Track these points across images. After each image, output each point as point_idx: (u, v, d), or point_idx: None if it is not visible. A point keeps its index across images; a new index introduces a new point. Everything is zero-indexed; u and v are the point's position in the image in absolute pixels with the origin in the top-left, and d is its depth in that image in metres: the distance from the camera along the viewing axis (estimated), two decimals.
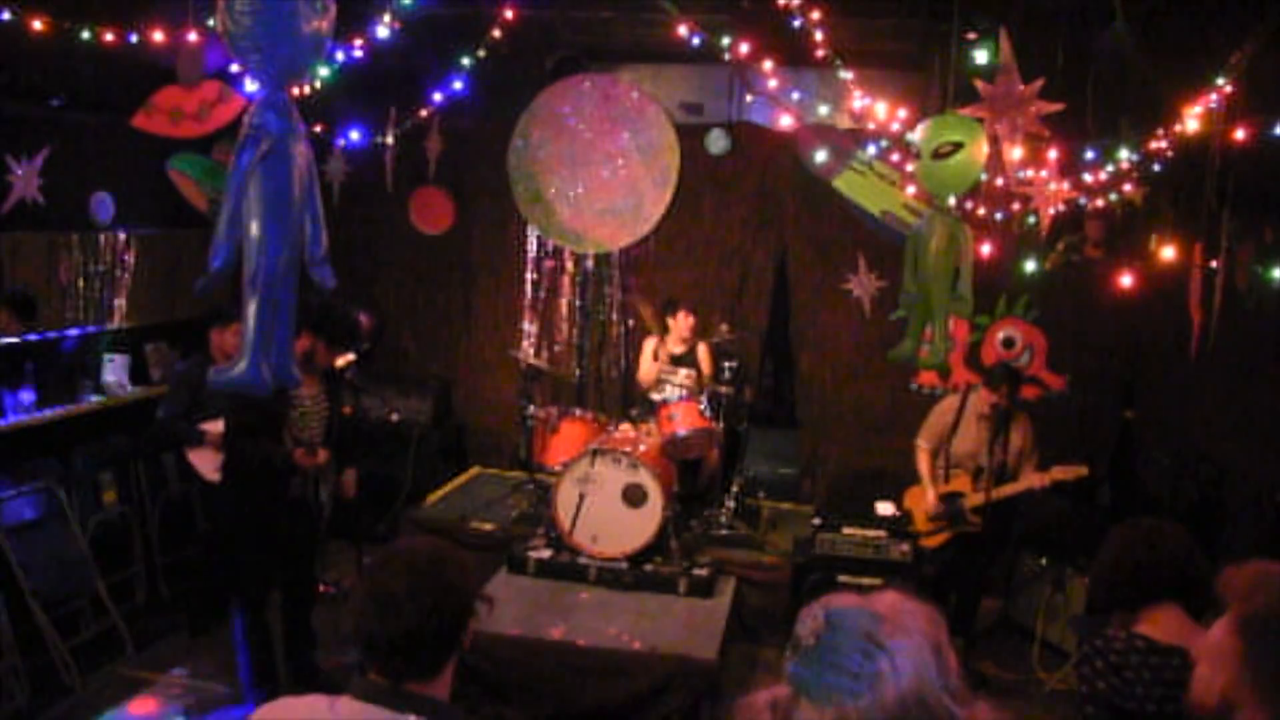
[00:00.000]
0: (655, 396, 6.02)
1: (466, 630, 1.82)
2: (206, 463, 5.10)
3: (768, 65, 5.01)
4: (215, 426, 4.99)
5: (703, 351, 6.16)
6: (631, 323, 6.97)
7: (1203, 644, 1.73)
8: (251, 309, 2.47)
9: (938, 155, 3.73)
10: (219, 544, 4.87)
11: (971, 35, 5.13)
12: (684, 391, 5.73)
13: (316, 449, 4.49)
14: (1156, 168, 5.03)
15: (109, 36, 4.50)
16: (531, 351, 6.85)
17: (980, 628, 5.56)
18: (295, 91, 4.71)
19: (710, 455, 6.02)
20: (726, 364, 5.77)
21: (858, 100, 4.90)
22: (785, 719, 1.24)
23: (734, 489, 5.93)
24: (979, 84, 3.63)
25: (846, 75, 4.93)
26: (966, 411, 5.25)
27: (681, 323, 6.12)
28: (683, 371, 6.03)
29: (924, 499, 5.29)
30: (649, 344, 6.30)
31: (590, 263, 7.03)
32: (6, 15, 4.18)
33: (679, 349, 6.16)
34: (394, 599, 1.72)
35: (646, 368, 6.25)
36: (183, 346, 6.05)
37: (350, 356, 4.88)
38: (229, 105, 4.82)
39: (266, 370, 2.48)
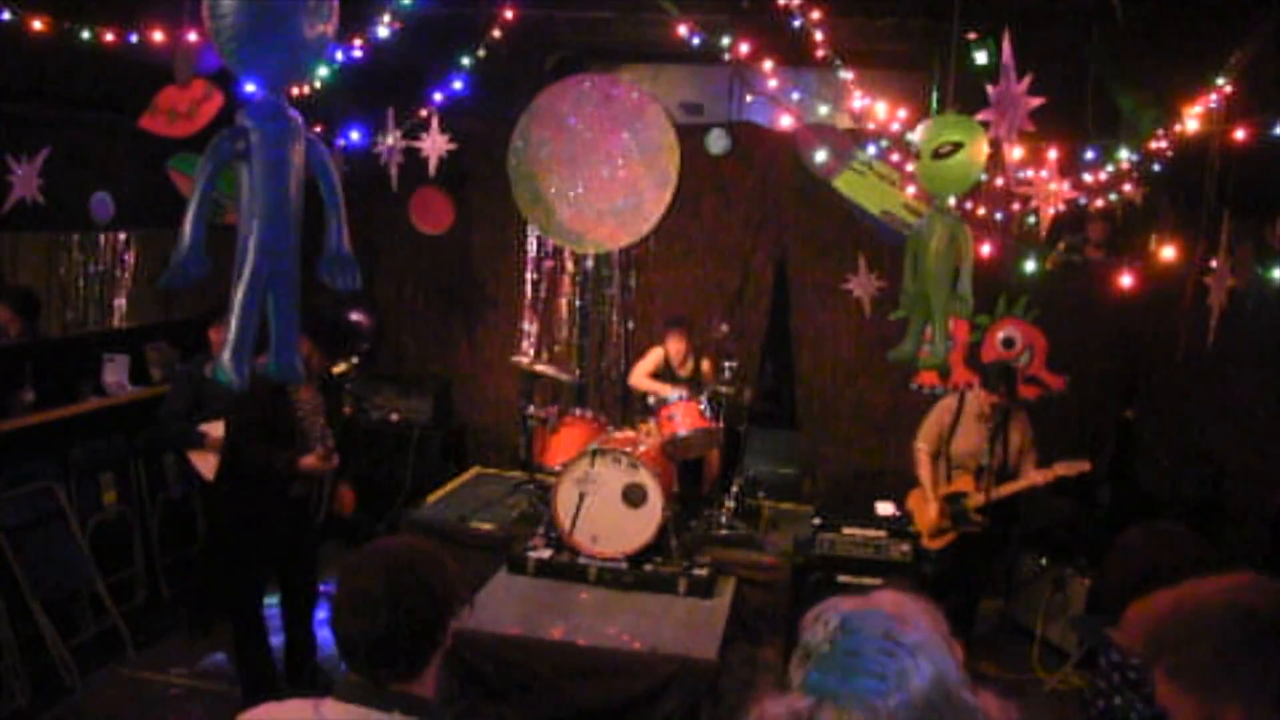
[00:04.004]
0: (651, 400, 6.03)
1: (447, 629, 1.81)
2: (207, 464, 5.10)
3: (768, 65, 5.01)
4: (216, 428, 4.99)
5: (706, 367, 6.17)
6: (631, 324, 6.97)
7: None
8: (235, 304, 2.46)
9: (938, 155, 3.72)
10: (217, 544, 4.87)
11: (971, 35, 5.13)
12: (683, 393, 5.72)
13: (332, 452, 4.44)
14: (1156, 168, 5.03)
15: (109, 36, 4.50)
16: (532, 353, 6.85)
17: (980, 628, 5.56)
18: (295, 91, 4.75)
19: (710, 455, 6.02)
20: (726, 364, 5.77)
21: (858, 100, 4.90)
22: None
23: (734, 489, 5.93)
24: (990, 89, 3.64)
25: (846, 75, 4.93)
26: (965, 411, 5.25)
27: (671, 347, 6.13)
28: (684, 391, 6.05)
29: (927, 507, 5.26)
30: (654, 354, 6.27)
31: (590, 263, 7.03)
32: (6, 15, 4.18)
33: (683, 373, 6.16)
34: (369, 599, 1.72)
35: (638, 375, 6.25)
36: (183, 346, 6.06)
37: (352, 360, 4.85)
38: (212, 103, 4.86)
39: (244, 366, 2.46)
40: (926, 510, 5.27)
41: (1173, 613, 1.56)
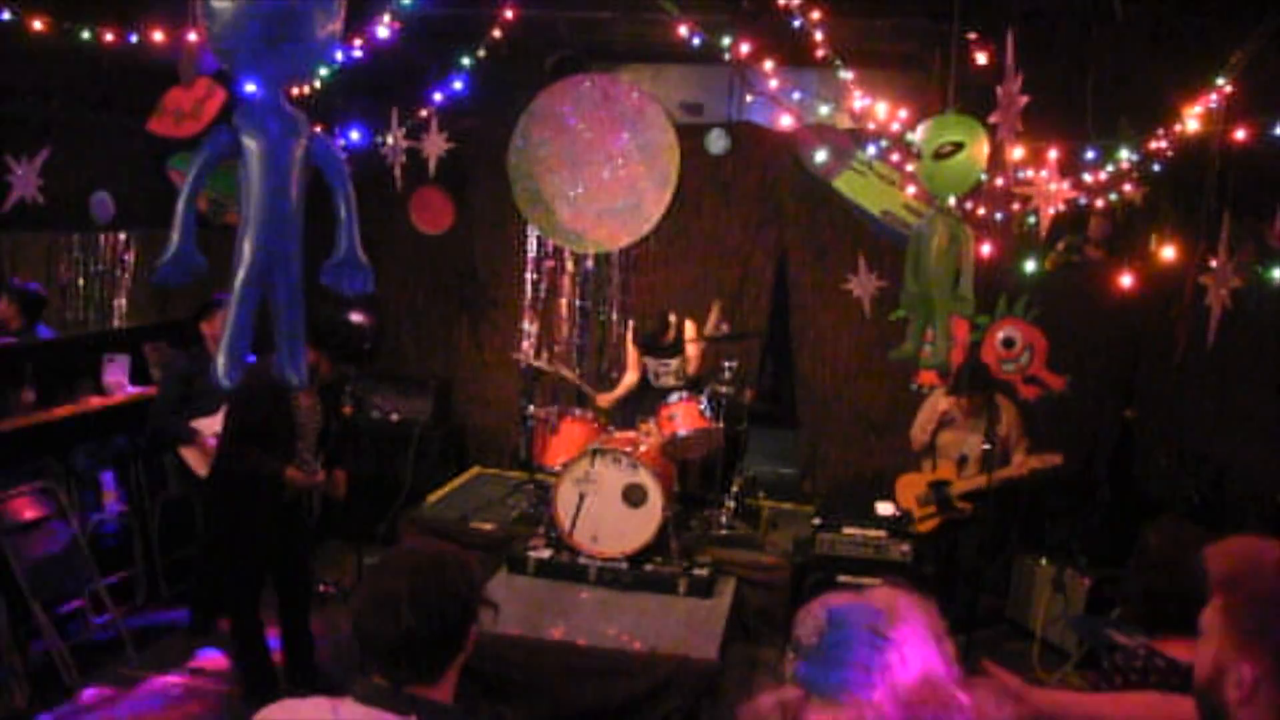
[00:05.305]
0: (654, 382, 6.05)
1: (469, 634, 1.82)
2: (198, 459, 5.10)
3: (768, 65, 5.02)
4: (206, 425, 4.99)
5: (692, 352, 6.16)
6: (632, 324, 6.97)
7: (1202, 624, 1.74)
8: (230, 304, 2.46)
9: (938, 155, 3.72)
10: (213, 543, 4.86)
11: (972, 35, 5.13)
12: (683, 393, 5.72)
13: (315, 470, 4.45)
14: (1156, 168, 5.03)
15: (109, 36, 4.50)
16: (532, 352, 6.84)
17: (980, 627, 5.56)
18: (295, 91, 4.74)
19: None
20: (726, 364, 5.77)
21: (858, 100, 4.90)
22: None
23: (734, 489, 5.93)
24: (999, 90, 3.65)
25: (846, 75, 4.93)
26: (936, 411, 5.51)
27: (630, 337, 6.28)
28: (673, 363, 6.04)
29: (918, 485, 5.48)
30: (632, 332, 6.31)
31: (590, 263, 7.03)
32: (6, 15, 4.18)
33: (663, 340, 6.18)
34: (394, 601, 1.72)
35: (631, 365, 6.30)
36: (182, 346, 6.06)
37: (345, 368, 4.81)
38: (214, 100, 4.88)
39: (237, 366, 2.45)
40: (914, 493, 5.47)
41: (1256, 562, 1.65)
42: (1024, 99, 3.66)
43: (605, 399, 6.31)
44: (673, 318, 6.11)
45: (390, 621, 1.71)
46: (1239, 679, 1.54)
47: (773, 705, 1.26)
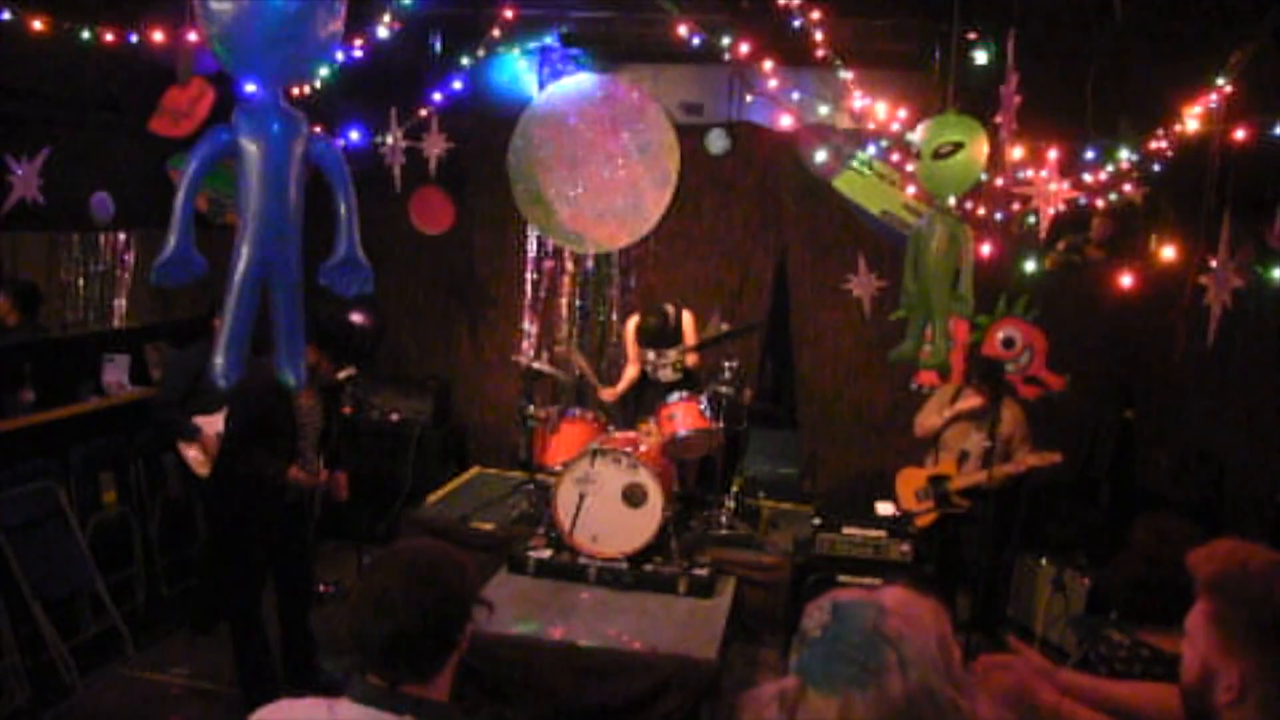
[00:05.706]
0: (652, 376, 6.04)
1: (464, 632, 1.82)
2: (197, 459, 5.09)
3: (768, 65, 5.02)
4: (206, 423, 4.98)
5: (688, 320, 6.12)
6: (634, 318, 6.96)
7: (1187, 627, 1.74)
8: (227, 303, 2.46)
9: (938, 155, 3.73)
10: (214, 544, 4.87)
11: (972, 35, 5.13)
12: (683, 393, 5.72)
13: (317, 470, 4.45)
14: (1156, 168, 5.03)
15: (109, 36, 4.50)
16: (531, 353, 6.84)
17: (980, 627, 5.56)
18: (295, 91, 4.75)
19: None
20: (727, 364, 5.77)
21: (858, 100, 4.90)
22: (791, 710, 1.25)
23: (734, 489, 5.92)
24: (1003, 89, 3.66)
25: (846, 75, 4.94)
26: (957, 404, 5.48)
27: (632, 323, 6.17)
28: (671, 353, 6.01)
29: (918, 478, 5.51)
30: (631, 324, 6.27)
31: (590, 263, 7.03)
32: (6, 15, 4.19)
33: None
34: (389, 599, 1.72)
35: (632, 359, 6.26)
36: (182, 346, 6.06)
37: (351, 370, 4.83)
38: (206, 99, 4.90)
39: (235, 366, 2.45)
40: (912, 486, 5.49)
41: (1241, 565, 1.66)
42: (1018, 98, 3.67)
43: (609, 393, 6.29)
44: (670, 308, 6.09)
45: (385, 620, 1.71)
46: (1229, 682, 1.54)
47: (772, 694, 1.28)
